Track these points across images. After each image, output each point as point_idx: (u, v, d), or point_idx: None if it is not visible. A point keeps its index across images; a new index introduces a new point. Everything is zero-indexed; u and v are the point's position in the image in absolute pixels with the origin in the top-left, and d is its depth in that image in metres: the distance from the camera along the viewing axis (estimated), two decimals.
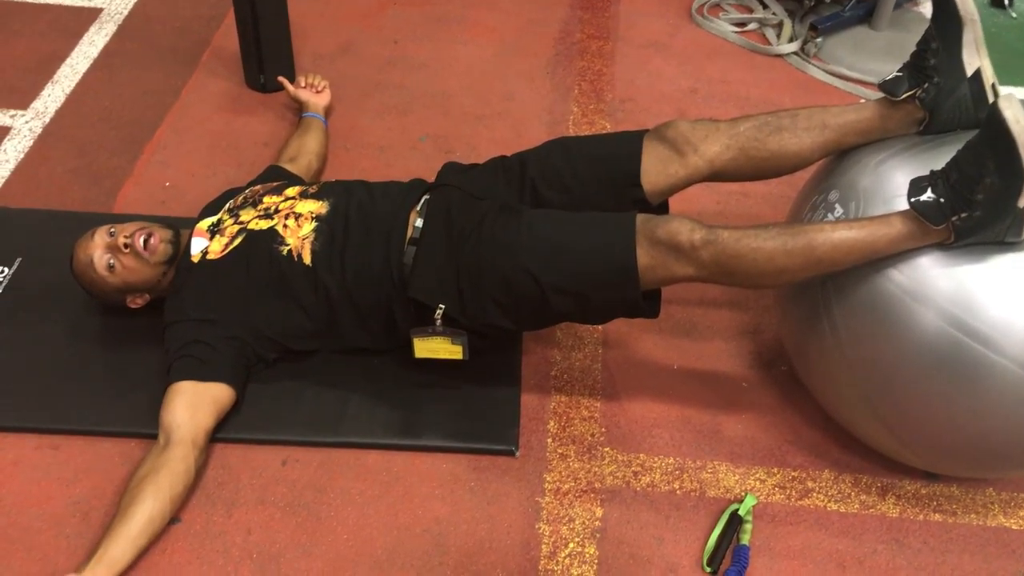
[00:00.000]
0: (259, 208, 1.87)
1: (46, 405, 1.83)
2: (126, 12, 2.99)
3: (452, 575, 1.62)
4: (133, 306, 1.90)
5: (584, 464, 1.80)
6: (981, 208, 1.45)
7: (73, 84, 2.69)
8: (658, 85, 2.79)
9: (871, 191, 1.62)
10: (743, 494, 1.76)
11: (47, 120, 2.56)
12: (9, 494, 1.71)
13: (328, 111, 2.55)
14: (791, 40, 2.97)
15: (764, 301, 2.13)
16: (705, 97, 2.75)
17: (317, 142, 2.37)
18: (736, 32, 3.01)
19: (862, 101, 1.77)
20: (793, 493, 1.77)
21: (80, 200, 2.32)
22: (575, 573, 1.63)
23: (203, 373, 1.74)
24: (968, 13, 1.63)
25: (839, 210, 1.64)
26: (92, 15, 2.97)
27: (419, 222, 1.78)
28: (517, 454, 1.80)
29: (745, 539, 1.68)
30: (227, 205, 1.93)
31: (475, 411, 1.85)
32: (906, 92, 1.67)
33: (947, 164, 1.50)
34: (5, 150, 2.46)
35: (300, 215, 1.83)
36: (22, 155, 2.44)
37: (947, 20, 1.65)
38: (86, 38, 2.87)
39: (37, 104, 2.61)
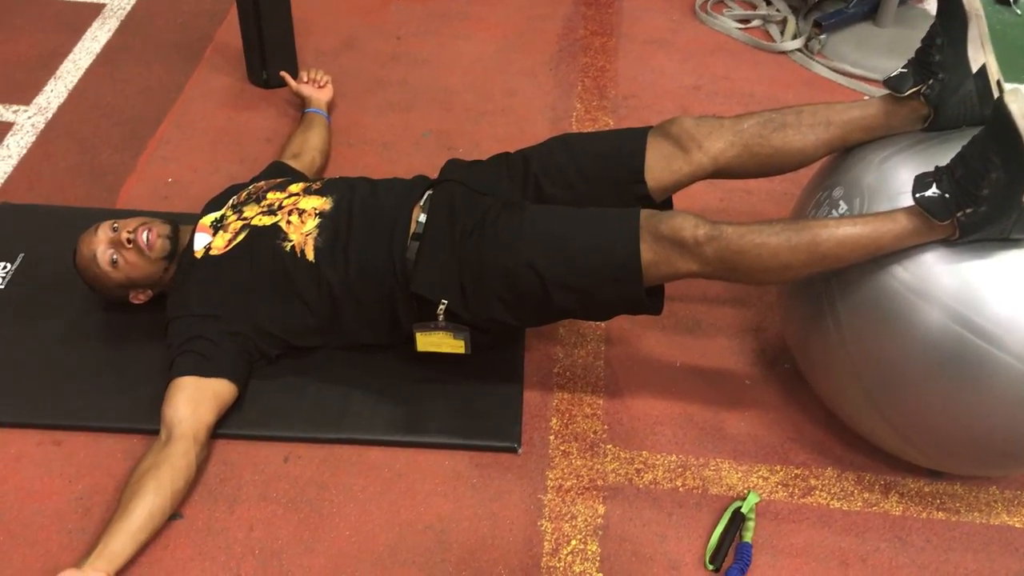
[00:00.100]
0: (263, 204, 1.87)
1: (48, 401, 1.83)
2: (129, 7, 2.99)
3: (454, 572, 1.62)
4: (136, 302, 1.90)
5: (586, 461, 1.80)
6: (986, 204, 1.44)
7: (76, 80, 2.69)
8: (661, 82, 2.78)
9: (875, 188, 1.62)
10: (746, 492, 1.76)
11: (49, 116, 2.56)
12: (11, 489, 1.71)
13: (331, 106, 2.55)
14: (795, 37, 2.96)
15: (767, 298, 2.13)
16: (708, 94, 2.74)
17: (320, 138, 2.37)
18: (739, 29, 3.01)
19: (866, 98, 1.77)
20: (796, 491, 1.77)
21: (82, 196, 2.32)
22: (577, 570, 1.63)
23: (205, 368, 1.74)
24: (973, 9, 1.62)
25: (843, 207, 1.64)
26: (95, 10, 2.97)
27: (422, 217, 1.78)
28: (519, 451, 1.80)
29: (748, 537, 1.67)
30: (230, 201, 1.93)
31: (477, 408, 1.85)
32: (911, 88, 1.67)
33: (952, 160, 1.50)
34: (8, 146, 2.46)
35: (304, 211, 1.82)
36: (25, 151, 2.44)
37: (952, 16, 1.64)
38: (89, 33, 2.87)
39: (40, 100, 2.61)
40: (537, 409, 1.88)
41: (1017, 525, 1.74)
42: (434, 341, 1.79)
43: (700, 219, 1.61)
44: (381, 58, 2.83)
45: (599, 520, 1.71)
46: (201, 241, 1.85)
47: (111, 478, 1.72)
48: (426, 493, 1.73)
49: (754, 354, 2.02)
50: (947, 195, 1.47)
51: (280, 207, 1.85)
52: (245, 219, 1.85)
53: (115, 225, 1.84)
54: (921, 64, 1.67)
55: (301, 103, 2.52)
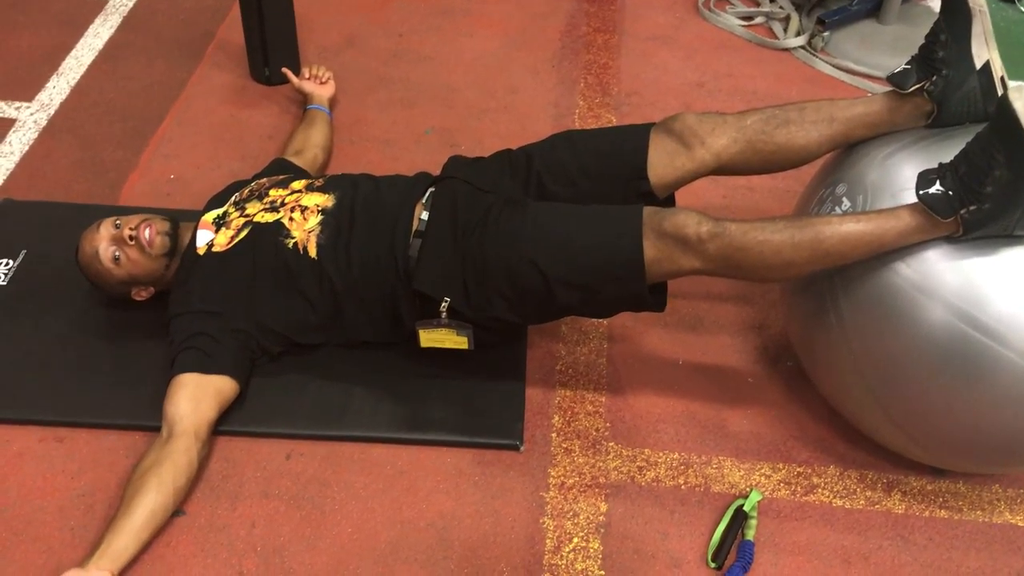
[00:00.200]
0: (265, 201, 1.87)
1: (51, 397, 1.83)
2: (131, 4, 2.99)
3: (456, 569, 1.62)
4: (138, 298, 1.90)
5: (588, 459, 1.80)
6: (990, 201, 1.44)
7: (78, 76, 2.69)
8: (664, 79, 2.78)
9: (879, 184, 1.61)
10: (748, 489, 1.75)
11: (52, 112, 2.56)
12: (14, 486, 1.71)
13: (332, 103, 2.54)
14: (798, 34, 2.96)
15: (770, 296, 2.12)
16: (711, 91, 2.74)
17: (322, 135, 2.37)
18: (743, 26, 3.00)
19: (869, 95, 1.76)
20: (798, 489, 1.77)
21: (85, 192, 2.32)
22: (579, 568, 1.63)
23: (207, 365, 1.74)
24: (977, 5, 1.62)
25: (846, 203, 1.64)
26: (97, 7, 2.97)
27: (424, 215, 1.78)
28: (521, 448, 1.80)
29: (750, 535, 1.67)
30: (233, 198, 1.93)
31: (479, 405, 1.85)
32: (914, 85, 1.67)
33: (956, 157, 1.49)
34: (10, 142, 2.46)
35: (306, 208, 1.82)
36: (27, 147, 2.44)
37: (956, 12, 1.64)
38: (91, 30, 2.87)
39: (42, 96, 2.61)
40: (539, 406, 1.88)
41: (1020, 524, 1.73)
42: (437, 337, 1.78)
43: (703, 216, 1.60)
44: (383, 55, 2.83)
45: (601, 518, 1.71)
46: (203, 238, 1.85)
47: (113, 474, 1.72)
48: (428, 490, 1.73)
49: (756, 351, 2.01)
50: (950, 192, 1.47)
51: (283, 204, 1.84)
52: (248, 216, 1.85)
53: (117, 222, 1.84)
54: (925, 61, 1.67)
55: (303, 100, 2.52)
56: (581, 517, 1.70)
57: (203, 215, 1.91)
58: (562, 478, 1.76)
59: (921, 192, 1.49)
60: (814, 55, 2.88)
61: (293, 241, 1.78)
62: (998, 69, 1.64)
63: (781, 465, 1.81)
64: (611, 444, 1.82)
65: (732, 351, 2.01)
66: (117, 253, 1.82)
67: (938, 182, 1.49)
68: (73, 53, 2.77)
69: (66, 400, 1.83)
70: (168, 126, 2.53)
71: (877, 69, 2.79)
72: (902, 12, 2.97)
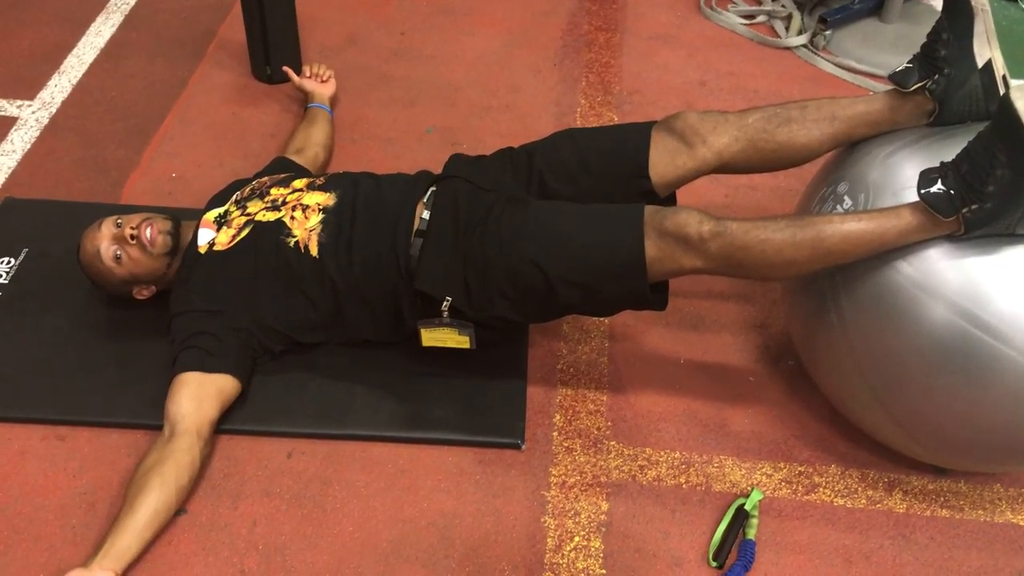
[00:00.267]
0: (266, 200, 1.87)
1: (52, 396, 1.83)
2: (133, 2, 2.99)
3: (457, 568, 1.62)
4: (139, 297, 1.90)
5: (590, 458, 1.80)
6: (992, 200, 1.44)
7: (80, 75, 2.69)
8: (666, 77, 2.78)
9: (880, 183, 1.61)
10: (749, 488, 1.75)
11: (54, 111, 2.56)
12: (16, 485, 1.71)
13: (333, 101, 2.54)
14: (800, 33, 2.95)
15: (772, 295, 2.12)
16: (713, 90, 2.74)
17: (323, 133, 2.37)
18: (744, 24, 3.00)
19: (871, 94, 1.76)
20: (799, 488, 1.77)
21: (86, 191, 2.32)
22: (580, 566, 1.63)
23: (209, 364, 1.74)
24: (979, 4, 1.62)
25: (848, 202, 1.63)
26: (99, 5, 2.97)
27: (426, 214, 1.78)
28: (523, 447, 1.80)
29: (751, 534, 1.67)
30: (234, 196, 1.93)
31: (481, 404, 1.85)
32: (916, 83, 1.66)
33: (957, 156, 1.49)
34: (12, 140, 2.46)
35: (307, 207, 1.82)
36: (29, 145, 2.44)
37: (958, 11, 1.64)
38: (93, 28, 2.87)
39: (44, 94, 2.61)
40: (540, 405, 1.88)
41: (1022, 523, 1.73)
42: (439, 336, 1.78)
43: (704, 215, 1.60)
44: (385, 53, 2.83)
45: (602, 517, 1.71)
46: (205, 237, 1.85)
47: (115, 473, 1.72)
48: (429, 489, 1.73)
49: (758, 350, 2.01)
50: (952, 191, 1.46)
51: (284, 203, 1.84)
52: (249, 215, 1.85)
53: (119, 221, 1.84)
54: (927, 59, 1.67)
55: (304, 98, 2.52)
56: (582, 516, 1.70)
57: (204, 214, 1.91)
58: (563, 477, 1.76)
59: (923, 191, 1.49)
60: (816, 54, 2.87)
61: (294, 240, 1.78)
62: (1000, 68, 1.64)
63: (782, 464, 1.80)
64: (612, 443, 1.82)
65: (733, 350, 2.01)
66: (118, 252, 1.82)
67: (940, 181, 1.48)
68: (75, 51, 2.77)
69: (67, 398, 1.83)
70: (170, 124, 2.53)
71: (879, 68, 2.78)
72: (904, 11, 2.97)
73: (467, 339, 1.77)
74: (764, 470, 1.79)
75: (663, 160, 1.78)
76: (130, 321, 1.95)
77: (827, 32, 2.90)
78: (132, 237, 1.81)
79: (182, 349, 1.76)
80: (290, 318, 1.82)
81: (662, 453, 1.81)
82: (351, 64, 2.76)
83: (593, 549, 1.66)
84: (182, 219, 1.91)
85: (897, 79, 1.68)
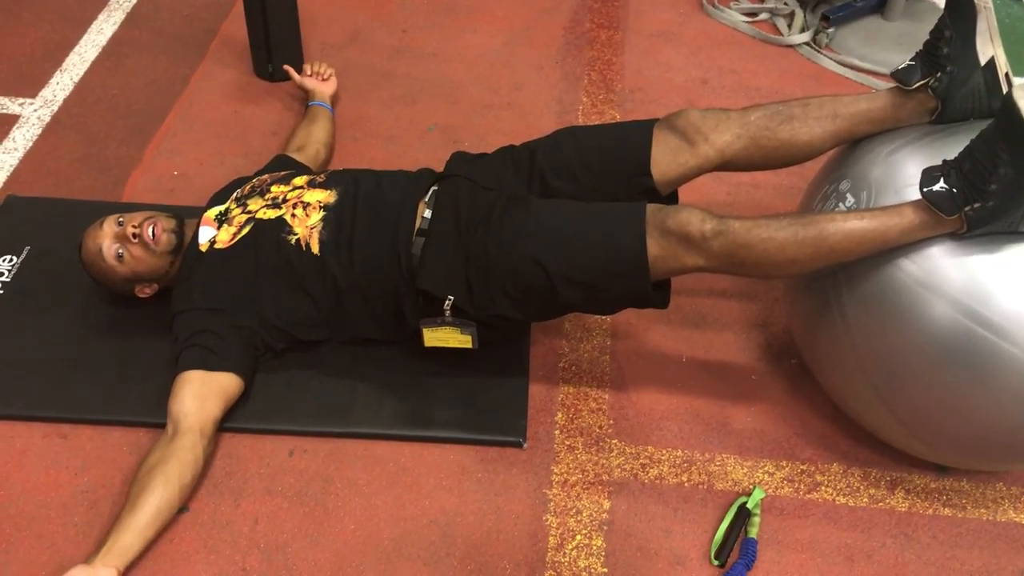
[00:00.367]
0: (267, 197, 1.87)
1: (54, 394, 1.84)
2: (134, 0, 2.99)
3: (459, 566, 1.62)
4: (142, 295, 1.90)
5: (592, 456, 1.80)
6: (994, 198, 1.43)
7: (81, 72, 2.69)
8: (668, 75, 2.77)
9: (883, 181, 1.61)
10: (751, 487, 1.75)
11: (55, 108, 2.56)
12: (18, 482, 1.71)
13: (335, 99, 2.54)
14: (802, 30, 2.95)
15: (774, 293, 2.12)
16: (715, 87, 2.73)
17: (324, 131, 2.37)
18: (747, 22, 2.99)
19: (873, 91, 1.76)
20: (802, 486, 1.76)
21: (88, 189, 2.32)
22: (582, 565, 1.63)
23: (211, 362, 1.74)
24: (982, 2, 1.61)
25: (850, 200, 1.63)
26: (101, 3, 2.97)
27: (427, 213, 1.78)
28: (525, 446, 1.80)
29: (753, 532, 1.67)
30: (234, 194, 1.93)
31: (483, 402, 1.85)
32: (919, 81, 1.66)
33: (960, 154, 1.49)
34: (14, 138, 2.46)
35: (308, 204, 1.82)
36: (31, 143, 2.44)
37: (960, 9, 1.63)
38: (95, 26, 2.87)
39: (46, 92, 2.61)
40: (542, 404, 1.88)
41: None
42: (441, 336, 1.78)
43: (707, 213, 1.60)
44: (387, 51, 2.83)
45: (604, 515, 1.71)
46: (206, 235, 1.85)
47: (117, 471, 1.72)
48: (431, 487, 1.73)
49: (760, 349, 2.01)
50: (955, 189, 1.46)
51: (284, 200, 1.84)
52: (250, 212, 1.84)
53: (120, 219, 1.84)
54: (929, 57, 1.66)
55: (305, 96, 2.52)
56: (584, 514, 1.70)
57: (205, 211, 1.91)
58: (565, 475, 1.76)
59: (925, 189, 1.49)
60: (818, 51, 2.87)
61: (296, 238, 1.78)
62: (1003, 65, 1.63)
63: (784, 463, 1.80)
64: (614, 441, 1.82)
65: (735, 348, 2.01)
66: (120, 250, 1.82)
67: (942, 179, 1.48)
68: (76, 49, 2.77)
69: (69, 396, 1.83)
70: (171, 122, 2.53)
71: (881, 66, 2.78)
72: (907, 8, 2.96)
73: (469, 339, 1.77)
74: (766, 468, 1.79)
75: (665, 158, 1.77)
76: (132, 319, 1.96)
77: (829, 30, 2.90)
78: (134, 235, 1.81)
79: (184, 347, 1.76)
80: (292, 316, 1.82)
81: (664, 451, 1.81)
82: (353, 62, 2.75)
83: (595, 547, 1.66)
84: (184, 217, 1.91)
85: (899, 77, 1.68)
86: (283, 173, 1.98)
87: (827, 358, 1.74)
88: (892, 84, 1.71)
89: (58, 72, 2.68)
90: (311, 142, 2.30)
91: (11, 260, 2.09)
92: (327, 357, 1.90)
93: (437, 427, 1.81)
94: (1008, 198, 1.43)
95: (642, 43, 2.90)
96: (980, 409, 1.53)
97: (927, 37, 1.68)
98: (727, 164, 1.79)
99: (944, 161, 1.51)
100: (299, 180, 1.90)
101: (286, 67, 2.55)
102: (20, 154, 2.41)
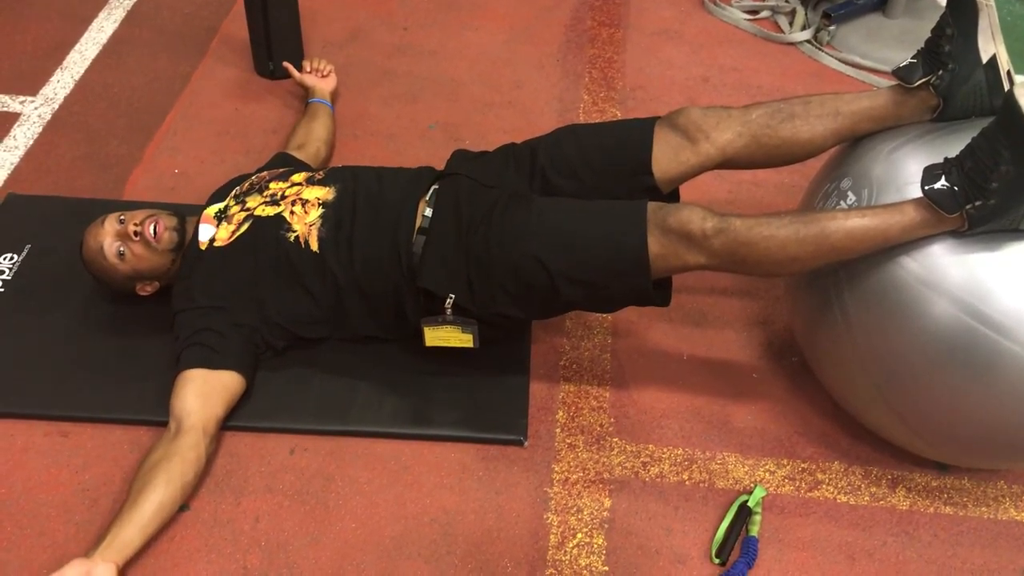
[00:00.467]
0: (265, 194, 1.87)
1: (55, 392, 1.84)
2: None
3: (460, 564, 1.62)
4: (143, 293, 1.90)
5: (593, 454, 1.79)
6: (996, 196, 1.43)
7: (82, 70, 2.69)
8: (669, 73, 2.77)
9: (884, 179, 1.61)
10: (752, 485, 1.75)
11: (56, 106, 2.56)
12: (19, 481, 1.71)
13: (334, 96, 2.54)
14: (804, 28, 2.95)
15: (775, 291, 2.12)
16: (716, 85, 2.73)
17: (325, 128, 2.36)
18: (748, 20, 2.99)
19: (875, 89, 1.76)
20: (803, 485, 1.76)
21: (89, 187, 2.32)
22: (583, 563, 1.63)
23: (213, 361, 1.74)
24: None
25: (852, 198, 1.63)
26: (101, 1, 2.97)
27: (428, 211, 1.77)
28: (525, 444, 1.80)
29: (754, 531, 1.67)
30: (233, 191, 1.93)
31: (484, 400, 1.85)
32: (920, 79, 1.66)
33: (961, 152, 1.49)
34: (14, 136, 2.46)
35: (307, 201, 1.82)
36: (31, 141, 2.44)
37: (962, 6, 1.63)
38: (95, 24, 2.87)
39: (46, 90, 2.61)
40: (543, 402, 1.88)
41: None
42: (442, 336, 1.78)
43: (708, 212, 1.60)
44: (387, 49, 2.83)
45: (605, 513, 1.71)
46: (206, 233, 1.85)
47: (118, 469, 1.72)
48: (432, 486, 1.73)
49: (761, 347, 2.01)
50: (956, 188, 1.46)
51: (283, 197, 1.84)
52: (248, 210, 1.84)
53: (122, 217, 1.84)
54: (931, 54, 1.66)
55: (304, 94, 2.52)
56: (585, 513, 1.70)
57: (204, 209, 1.90)
58: (566, 473, 1.76)
59: (926, 187, 1.48)
60: (820, 49, 2.87)
61: (295, 235, 1.78)
62: (1004, 63, 1.63)
63: (785, 461, 1.80)
64: (615, 440, 1.82)
65: (736, 346, 2.01)
66: (121, 248, 1.82)
67: (943, 177, 1.48)
68: (77, 47, 2.77)
69: (71, 395, 1.83)
70: (172, 120, 2.53)
71: (883, 63, 2.77)
72: (908, 6, 2.96)
73: (470, 337, 1.77)
74: (767, 467, 1.79)
75: (666, 156, 1.77)
76: (133, 317, 1.96)
77: (831, 27, 2.89)
78: (135, 233, 1.81)
79: (186, 346, 1.76)
80: (292, 313, 1.82)
81: (665, 450, 1.81)
82: (353, 60, 2.75)
83: (596, 546, 1.66)
84: (185, 215, 1.91)
85: (901, 74, 1.68)
86: (282, 170, 1.98)
87: (828, 356, 1.74)
88: (894, 82, 1.71)
89: (59, 70, 2.68)
90: (311, 139, 2.30)
91: (12, 258, 2.09)
92: (328, 355, 1.89)
93: (438, 425, 1.81)
94: (1009, 196, 1.43)
95: (643, 41, 2.89)
96: (981, 407, 1.53)
97: (929, 35, 1.68)
98: (728, 162, 1.79)
99: (945, 159, 1.51)
100: (298, 177, 1.90)
101: (286, 64, 2.55)
102: (21, 152, 2.41)
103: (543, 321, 1.98)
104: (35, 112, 2.54)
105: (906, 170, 1.59)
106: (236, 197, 1.90)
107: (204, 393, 1.70)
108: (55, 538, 1.63)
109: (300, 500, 1.70)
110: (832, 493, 1.75)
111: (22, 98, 2.58)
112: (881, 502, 1.74)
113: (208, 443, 1.68)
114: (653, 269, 1.62)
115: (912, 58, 1.69)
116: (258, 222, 1.81)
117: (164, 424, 1.69)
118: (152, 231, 1.81)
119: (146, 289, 1.89)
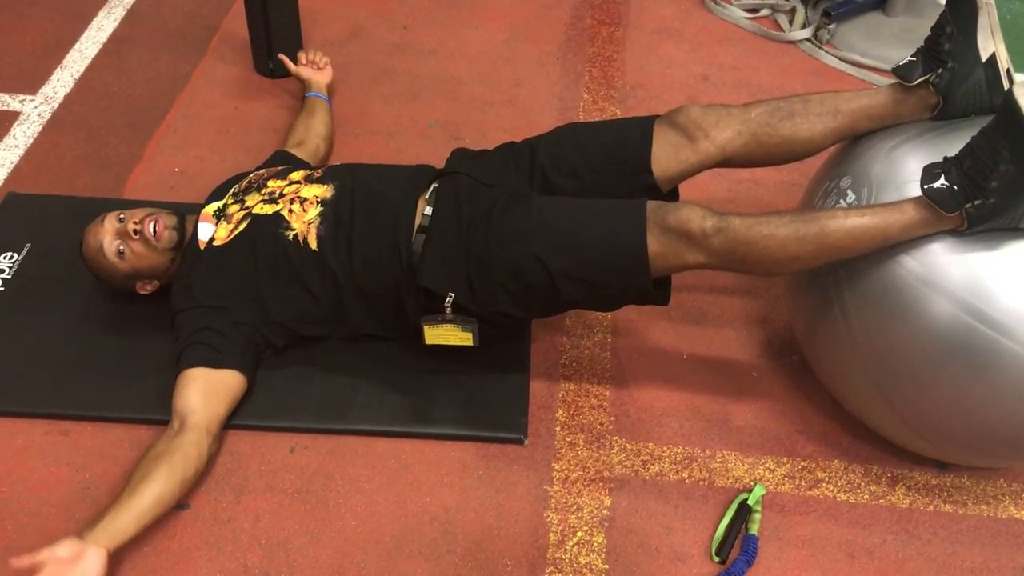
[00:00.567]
0: (264, 193, 1.86)
1: (55, 391, 1.84)
2: None
3: (460, 563, 1.62)
4: (143, 292, 1.90)
5: (593, 453, 1.80)
6: (995, 195, 1.43)
7: (82, 69, 2.69)
8: (669, 72, 2.77)
9: (884, 177, 1.61)
10: (752, 484, 1.75)
11: (56, 105, 2.56)
12: (19, 479, 1.71)
13: (332, 92, 2.54)
14: (804, 26, 2.95)
15: (775, 290, 2.12)
16: (716, 84, 2.73)
17: (323, 124, 2.36)
18: (748, 18, 2.99)
19: (875, 88, 1.76)
20: (802, 483, 1.76)
21: (89, 185, 2.32)
22: (583, 561, 1.63)
23: (215, 360, 1.74)
24: None
25: (851, 196, 1.63)
26: (101, 0, 2.97)
27: (428, 210, 1.77)
28: (526, 442, 1.80)
29: (754, 529, 1.67)
30: (232, 190, 1.92)
31: (484, 399, 1.85)
32: (920, 77, 1.66)
33: (961, 151, 1.49)
34: (14, 135, 2.46)
35: (305, 199, 1.82)
36: (31, 140, 2.44)
37: (962, 5, 1.63)
38: (95, 23, 2.87)
39: (46, 89, 2.61)
40: (543, 400, 1.88)
41: None
42: (442, 334, 1.78)
43: (707, 210, 1.60)
44: (388, 48, 2.82)
45: (605, 512, 1.71)
46: (205, 232, 1.85)
47: (118, 468, 1.72)
48: (432, 484, 1.73)
49: (761, 345, 2.01)
50: (955, 187, 1.46)
51: (281, 195, 1.84)
52: (247, 208, 1.84)
53: (121, 216, 1.84)
54: (930, 53, 1.66)
55: (302, 90, 2.51)
56: (585, 511, 1.70)
57: (204, 208, 1.90)
58: (566, 472, 1.76)
59: (926, 186, 1.48)
60: (819, 47, 2.87)
61: (293, 233, 1.78)
62: (1004, 62, 1.63)
63: (785, 459, 1.80)
64: (615, 438, 1.82)
65: (736, 345, 2.01)
66: (121, 247, 1.82)
67: (943, 176, 1.48)
68: (77, 46, 2.77)
69: (71, 393, 1.83)
70: (172, 119, 2.53)
71: (883, 62, 2.77)
72: (908, 4, 2.96)
73: (470, 336, 1.77)
74: (767, 465, 1.79)
75: (666, 154, 1.77)
76: (133, 316, 1.96)
77: (831, 26, 2.89)
78: (135, 232, 1.81)
79: (187, 345, 1.75)
80: (292, 311, 1.82)
81: (665, 448, 1.81)
82: (353, 58, 2.75)
83: (596, 544, 1.66)
84: (185, 214, 1.91)
85: (901, 73, 1.68)
86: (280, 168, 1.98)
87: (828, 355, 1.74)
88: (893, 80, 1.71)
89: (59, 69, 2.68)
90: (311, 136, 2.30)
91: (12, 257, 2.09)
92: (328, 354, 1.90)
93: (438, 424, 1.81)
94: (1009, 195, 1.43)
95: (643, 39, 2.89)
96: (981, 406, 1.53)
97: (928, 33, 1.68)
98: (728, 161, 1.79)
99: (945, 158, 1.51)
100: (296, 175, 1.90)
101: (282, 57, 2.54)
102: (21, 151, 2.41)
103: (543, 320, 1.98)
104: (35, 111, 2.54)
105: (905, 168, 1.59)
106: (235, 195, 1.90)
107: (207, 392, 1.71)
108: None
109: (300, 499, 1.70)
110: (832, 491, 1.76)
111: (22, 97, 2.58)
112: (881, 500, 1.74)
113: (211, 442, 1.68)
114: (653, 268, 1.62)
115: (912, 56, 1.69)
116: (256, 220, 1.81)
117: (164, 423, 1.69)
118: (152, 230, 1.81)
119: (146, 288, 1.89)
